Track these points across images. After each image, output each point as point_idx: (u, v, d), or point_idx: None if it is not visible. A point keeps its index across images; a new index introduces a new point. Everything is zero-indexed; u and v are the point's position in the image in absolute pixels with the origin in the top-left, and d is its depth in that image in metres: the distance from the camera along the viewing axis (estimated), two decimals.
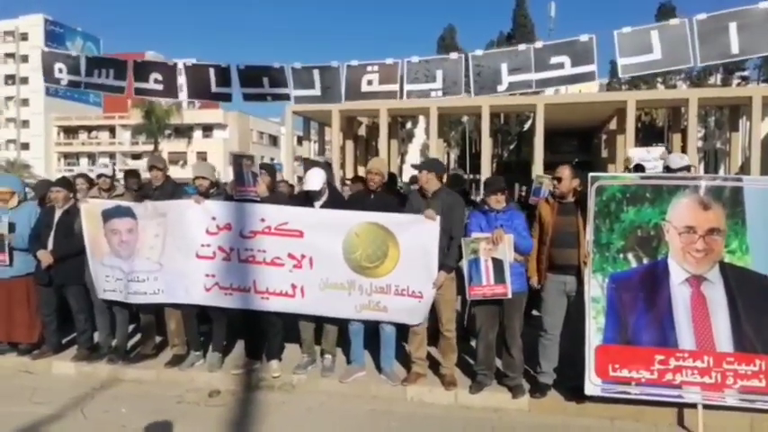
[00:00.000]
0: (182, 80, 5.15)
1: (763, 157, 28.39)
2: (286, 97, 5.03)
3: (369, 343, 5.24)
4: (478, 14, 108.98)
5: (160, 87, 5.18)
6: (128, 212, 5.35)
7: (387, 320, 4.87)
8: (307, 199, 5.19)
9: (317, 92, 4.85)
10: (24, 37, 68.69)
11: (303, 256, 4.94)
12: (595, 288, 4.27)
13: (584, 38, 4.25)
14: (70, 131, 67.08)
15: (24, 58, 68.69)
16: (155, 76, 5.17)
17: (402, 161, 44.45)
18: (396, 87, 4.63)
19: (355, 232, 4.76)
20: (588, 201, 4.31)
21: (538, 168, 29.03)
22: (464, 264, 4.53)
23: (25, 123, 68.43)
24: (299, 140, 50.43)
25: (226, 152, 62.84)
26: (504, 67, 4.36)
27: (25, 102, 68.65)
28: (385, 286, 4.72)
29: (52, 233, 5.55)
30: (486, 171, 32.11)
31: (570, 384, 4.51)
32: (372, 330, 5.13)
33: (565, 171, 4.48)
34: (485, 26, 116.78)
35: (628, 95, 29.57)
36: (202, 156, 62.46)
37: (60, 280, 5.55)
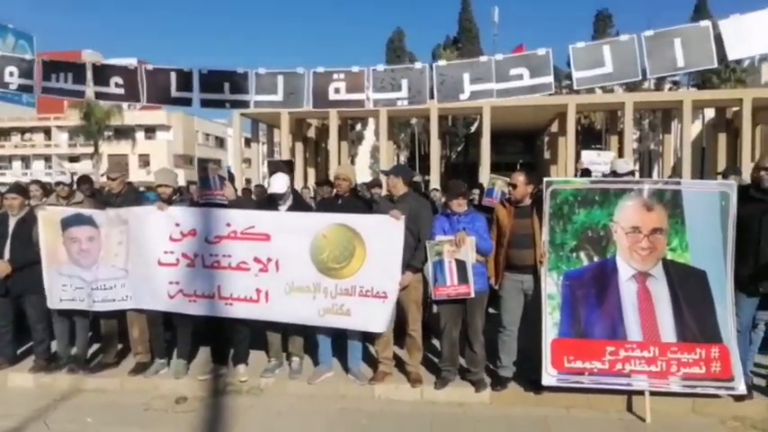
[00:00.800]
0: (141, 84, 5.11)
1: (693, 157, 30.20)
2: (245, 104, 5.07)
3: (335, 345, 5.36)
4: (425, 18, 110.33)
5: (122, 91, 5.12)
6: (88, 221, 5.27)
7: (349, 327, 4.99)
8: (271, 203, 5.26)
9: (278, 97, 4.91)
10: None
11: (269, 260, 5.01)
12: (551, 285, 4.56)
13: (540, 52, 4.53)
14: (2, 133, 63.56)
15: None
16: (115, 80, 5.10)
17: (352, 162, 44.57)
18: (363, 96, 4.76)
19: (323, 234, 4.87)
20: (543, 204, 4.59)
21: (485, 169, 29.82)
22: (429, 266, 4.73)
23: None
24: (248, 142, 49.75)
25: (170, 154, 61.23)
26: (466, 77, 4.58)
27: None
28: (350, 287, 4.84)
29: (8, 242, 5.40)
30: (435, 172, 32.71)
31: (529, 377, 4.78)
32: (339, 332, 5.25)
33: (519, 177, 4.74)
34: (432, 30, 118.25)
35: (568, 99, 30.77)
36: (145, 159, 60.90)
37: (18, 290, 5.41)
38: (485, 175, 28.67)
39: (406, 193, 4.97)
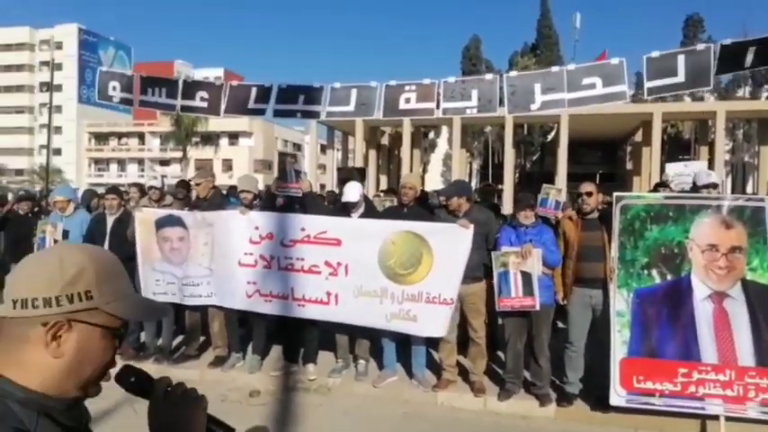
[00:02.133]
0: (223, 98, 5.51)
1: None
2: (316, 115, 5.37)
3: (400, 350, 5.50)
4: (503, 25, 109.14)
5: (204, 105, 5.54)
6: (179, 222, 5.70)
7: (413, 333, 5.11)
8: (344, 210, 5.48)
9: (350, 108, 5.15)
10: (59, 46, 70.90)
11: (339, 264, 5.22)
12: (620, 302, 4.47)
13: (614, 61, 4.50)
14: (101, 138, 68.88)
15: (59, 66, 70.90)
16: (201, 94, 5.53)
17: (424, 170, 44.72)
18: (432, 105, 4.91)
19: (391, 240, 5.03)
20: (613, 219, 4.52)
21: (561, 179, 29.01)
22: (494, 276, 4.77)
23: (58, 129, 70.45)
24: (323, 149, 51.15)
25: (251, 160, 63.94)
26: (537, 87, 4.62)
27: (58, 108, 70.71)
28: (416, 293, 4.96)
29: (107, 240, 5.94)
30: (508, 181, 32.19)
31: (596, 394, 4.71)
32: (404, 339, 5.38)
33: (593, 187, 4.69)
34: (509, 37, 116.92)
35: (654, 108, 29.16)
36: (228, 163, 63.92)
37: None
38: (560, 185, 27.99)
39: (470, 208, 5.05)
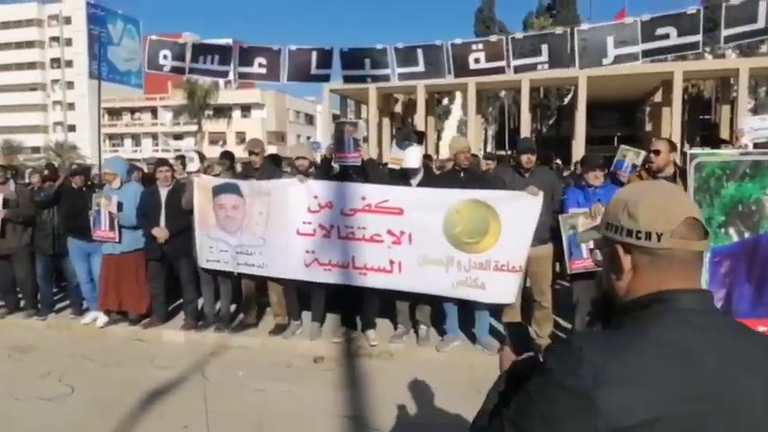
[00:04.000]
0: (283, 64, 5.41)
1: None
2: (386, 78, 5.25)
3: (461, 316, 5.50)
4: None
5: (264, 71, 5.46)
6: (235, 190, 5.69)
7: (481, 300, 5.09)
8: (403, 176, 5.42)
9: (420, 68, 5.05)
10: (68, 21, 70.38)
11: (402, 233, 5.19)
12: None
13: (691, 10, 4.36)
14: (114, 113, 68.84)
15: (68, 42, 70.55)
16: (259, 60, 5.44)
17: (438, 137, 44.31)
18: (503, 63, 4.79)
19: (456, 209, 4.98)
20: (688, 177, 4.42)
21: (579, 143, 28.58)
22: (563, 239, 4.72)
23: (71, 106, 70.56)
24: (335, 118, 50.83)
25: (264, 131, 63.72)
26: (609, 41, 4.49)
27: (70, 85, 70.66)
28: (484, 261, 4.94)
29: (162, 211, 5.95)
30: None
31: None
32: (465, 303, 5.37)
33: (662, 144, 4.58)
34: None
35: (674, 66, 28.19)
36: (241, 136, 63.74)
37: (174, 254, 5.97)
38: (578, 148, 27.58)
39: (536, 168, 4.96)
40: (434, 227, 5.06)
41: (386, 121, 34.71)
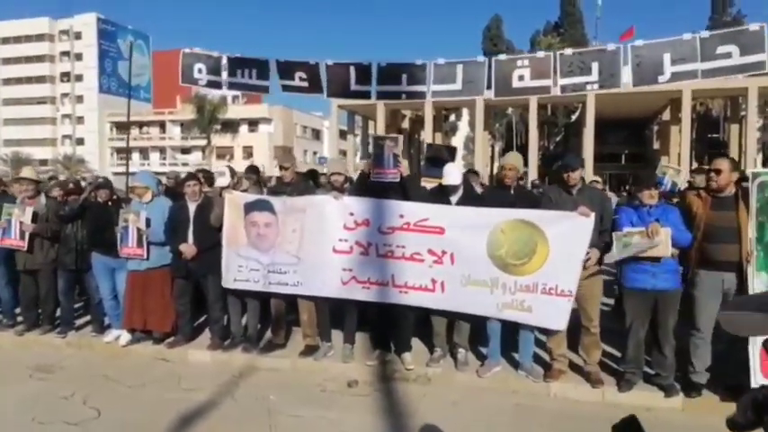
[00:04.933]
0: (322, 78, 5.27)
1: None
2: (421, 95, 5.08)
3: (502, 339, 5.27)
4: (524, 4, 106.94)
5: (306, 84, 5.31)
6: (268, 207, 5.51)
7: (529, 323, 4.88)
8: (442, 193, 5.23)
9: (457, 86, 4.88)
10: (78, 36, 71.11)
11: (444, 253, 5.00)
12: (759, 286, 4.20)
13: (753, 27, 4.18)
14: (122, 127, 69.05)
15: (78, 57, 71.18)
16: (299, 74, 5.29)
17: None
18: (549, 82, 4.62)
19: (501, 229, 4.79)
20: (750, 197, 4.23)
21: (587, 161, 28.38)
22: (615, 257, 4.49)
23: (80, 120, 70.97)
24: (343, 134, 50.91)
25: (271, 146, 63.86)
26: (666, 57, 4.31)
27: (80, 99, 71.15)
28: (531, 284, 4.73)
29: (190, 227, 5.77)
30: (532, 164, 31.65)
31: (727, 384, 4.45)
32: (509, 326, 5.15)
33: (723, 164, 4.38)
34: (531, 16, 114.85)
35: (683, 85, 28.11)
36: (248, 150, 63.91)
37: (201, 271, 5.77)
38: (586, 166, 27.39)
39: (583, 184, 4.78)
40: (478, 247, 4.86)
41: None
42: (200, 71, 5.51)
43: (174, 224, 5.84)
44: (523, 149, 34.76)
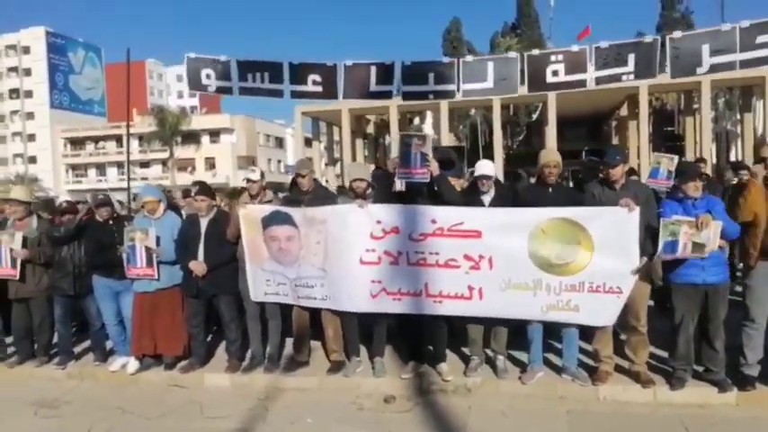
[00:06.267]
0: (339, 80, 5.00)
1: None
2: (450, 94, 4.88)
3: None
4: (482, 7, 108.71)
5: (319, 89, 5.03)
6: (287, 219, 5.20)
7: (577, 323, 4.72)
8: (473, 193, 5.02)
9: (488, 84, 4.70)
10: (26, 50, 68.42)
11: (481, 257, 4.78)
12: None
13: None
14: (77, 143, 66.77)
15: (27, 72, 68.48)
16: (313, 77, 5.01)
17: None
18: (585, 76, 4.49)
19: (542, 229, 4.61)
20: None
21: None
22: (660, 244, 4.36)
23: (31, 137, 68.18)
24: (308, 142, 50.35)
25: (234, 157, 62.67)
26: (705, 49, 4.24)
27: (30, 115, 68.40)
28: (577, 284, 4.56)
29: (201, 243, 5.42)
30: (498, 163, 31.89)
31: None
32: (551, 328, 4.99)
33: None
34: (489, 18, 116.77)
35: (640, 81, 28.87)
36: (210, 162, 62.53)
37: (213, 290, 5.42)
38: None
39: (627, 181, 4.65)
40: (518, 249, 4.67)
41: (359, 142, 34.47)
42: (208, 77, 5.18)
43: (185, 240, 5.47)
44: (488, 150, 35.10)
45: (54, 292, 5.82)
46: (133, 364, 5.70)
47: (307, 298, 5.23)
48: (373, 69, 4.94)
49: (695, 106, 32.43)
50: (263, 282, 5.31)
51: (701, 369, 4.66)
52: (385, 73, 4.91)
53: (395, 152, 4.81)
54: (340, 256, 5.11)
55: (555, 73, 4.55)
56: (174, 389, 5.51)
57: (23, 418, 4.96)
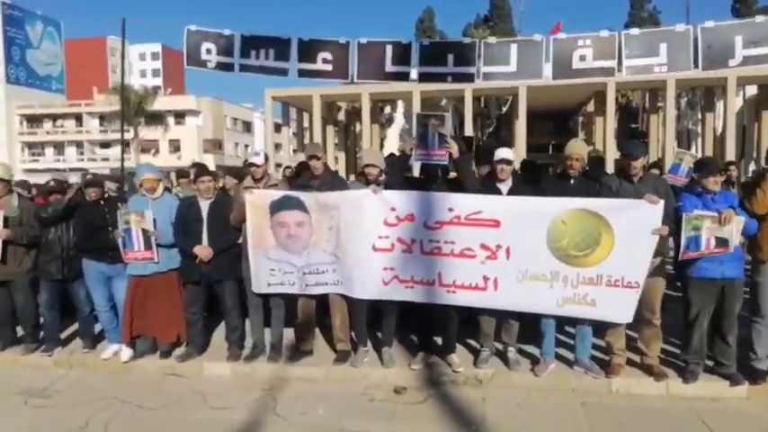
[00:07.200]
0: (351, 59, 4.80)
1: (737, 132, 29.00)
2: (470, 77, 4.73)
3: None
4: None
5: (329, 68, 4.81)
6: (297, 205, 5.00)
7: (592, 318, 4.69)
8: (491, 180, 4.92)
9: (512, 68, 4.57)
10: None
11: (499, 247, 4.71)
12: None
13: None
14: (34, 120, 63.92)
15: None
16: (323, 55, 4.79)
17: (381, 145, 44.09)
18: (613, 63, 4.41)
19: (562, 219, 4.56)
20: None
21: (519, 151, 29.13)
22: (682, 239, 4.36)
23: None
24: (277, 127, 49.48)
25: (200, 139, 61.18)
26: (738, 40, 4.20)
27: None
28: (595, 277, 4.54)
29: (204, 226, 5.18)
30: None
31: None
32: (564, 321, 4.97)
33: None
34: (462, 9, 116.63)
35: (608, 78, 29.22)
36: (175, 144, 60.84)
37: (216, 275, 5.20)
38: (518, 156, 27.80)
39: (646, 174, 4.63)
40: (537, 239, 4.61)
41: (330, 129, 34.05)
42: (208, 51, 4.89)
43: (185, 224, 5.22)
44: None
45: (41, 275, 5.49)
46: (126, 351, 5.44)
47: (316, 285, 5.07)
48: (389, 48, 4.74)
49: (659, 104, 33.25)
50: (266, 271, 5.10)
51: (710, 363, 4.72)
52: (402, 52, 4.72)
53: (413, 132, 4.62)
54: (353, 243, 4.97)
55: (582, 58, 4.45)
56: (171, 378, 5.28)
57: (11, 408, 4.68)
